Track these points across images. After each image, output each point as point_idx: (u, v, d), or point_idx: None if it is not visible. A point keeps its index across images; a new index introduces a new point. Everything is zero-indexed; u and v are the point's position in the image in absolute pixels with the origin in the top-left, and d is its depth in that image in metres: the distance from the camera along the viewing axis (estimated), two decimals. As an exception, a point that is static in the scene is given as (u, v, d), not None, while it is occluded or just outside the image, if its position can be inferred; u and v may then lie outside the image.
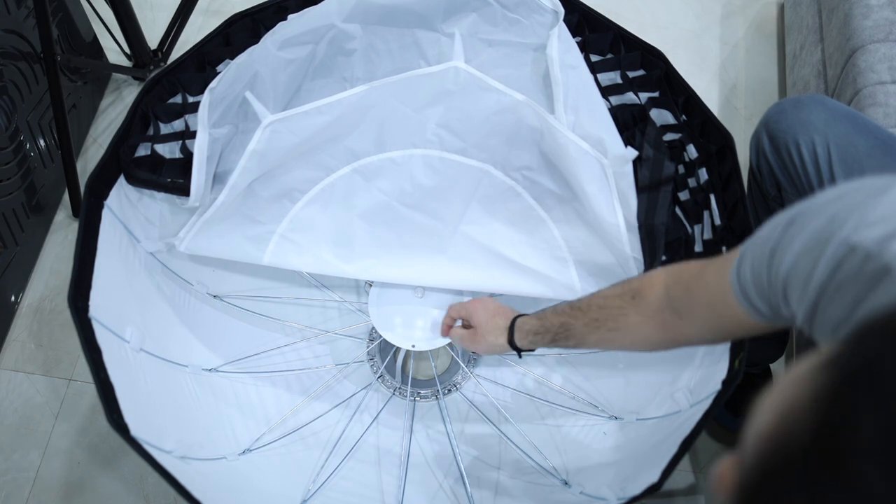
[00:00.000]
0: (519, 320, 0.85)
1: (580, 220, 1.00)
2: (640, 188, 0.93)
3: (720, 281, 0.58)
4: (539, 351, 1.13)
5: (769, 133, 0.89)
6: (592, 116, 0.92)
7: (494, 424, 1.08)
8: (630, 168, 0.91)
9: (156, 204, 0.99)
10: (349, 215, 1.04)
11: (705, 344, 0.68)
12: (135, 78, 1.55)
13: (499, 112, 0.97)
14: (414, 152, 1.02)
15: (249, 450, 0.99)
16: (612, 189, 0.92)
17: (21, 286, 1.32)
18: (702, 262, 0.64)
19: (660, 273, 0.69)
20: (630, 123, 0.97)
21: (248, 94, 0.93)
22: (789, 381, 0.30)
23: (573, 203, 1.00)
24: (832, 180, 0.83)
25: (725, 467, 0.32)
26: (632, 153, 0.90)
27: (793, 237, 0.47)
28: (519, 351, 0.87)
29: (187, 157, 0.95)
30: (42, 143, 1.33)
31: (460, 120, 0.99)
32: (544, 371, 1.12)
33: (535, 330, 0.82)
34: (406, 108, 0.99)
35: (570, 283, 1.01)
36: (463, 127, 1.00)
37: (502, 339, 0.87)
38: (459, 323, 0.98)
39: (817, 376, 0.28)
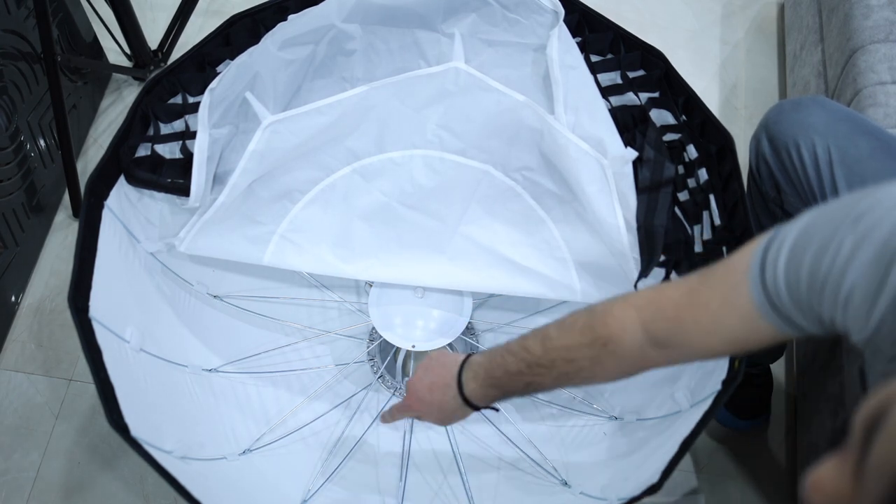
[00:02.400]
0: (469, 392, 0.75)
1: (580, 220, 1.00)
2: (641, 189, 0.92)
3: (726, 300, 0.54)
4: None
5: (769, 135, 0.89)
6: (592, 117, 0.92)
7: (494, 424, 1.08)
8: (630, 169, 0.91)
9: (156, 204, 0.99)
10: (349, 216, 1.04)
11: (700, 361, 0.64)
12: (135, 78, 1.55)
13: (499, 113, 0.97)
14: (414, 153, 1.02)
15: (250, 450, 0.99)
16: (612, 190, 0.92)
17: (21, 286, 1.32)
18: (683, 286, 0.59)
19: (628, 311, 0.63)
20: (630, 124, 0.97)
21: (248, 95, 0.93)
22: None
23: (573, 203, 1.00)
24: (833, 182, 0.82)
25: (827, 474, 0.30)
26: (631, 154, 0.90)
27: (858, 244, 0.43)
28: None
29: (187, 157, 0.95)
30: (42, 143, 1.33)
31: (460, 120, 0.99)
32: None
33: (493, 396, 0.74)
34: (406, 108, 0.99)
35: (570, 284, 1.01)
36: (463, 127, 1.00)
37: (463, 413, 0.77)
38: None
39: None
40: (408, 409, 0.81)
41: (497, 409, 0.78)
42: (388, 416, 0.86)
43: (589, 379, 0.67)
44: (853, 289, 0.44)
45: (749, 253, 0.53)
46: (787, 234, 0.49)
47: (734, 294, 0.53)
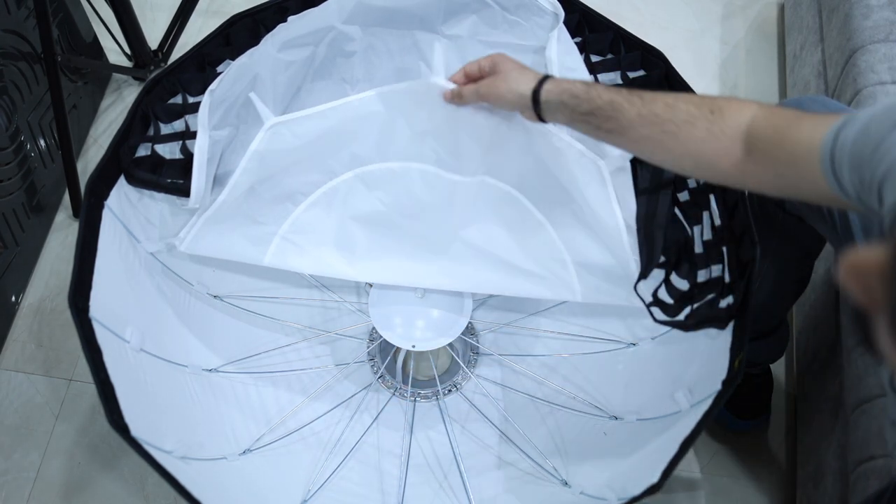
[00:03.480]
0: (556, 77, 0.76)
1: (579, 222, 1.00)
2: (640, 190, 0.92)
3: (812, 136, 0.57)
4: (539, 349, 1.13)
5: None
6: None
7: (494, 424, 1.08)
8: (628, 168, 0.91)
9: (156, 204, 0.99)
10: (351, 219, 1.04)
11: (762, 192, 0.65)
12: (135, 78, 1.55)
13: (497, 114, 0.97)
14: (412, 165, 1.01)
15: (250, 450, 0.99)
16: (610, 191, 0.91)
17: (21, 286, 1.32)
18: (800, 112, 0.62)
19: (751, 103, 0.65)
20: (630, 124, 0.96)
21: (253, 96, 0.93)
22: None
23: (571, 206, 0.99)
24: None
25: (864, 254, 0.32)
26: (629, 154, 0.90)
27: None
28: (538, 107, 0.77)
29: (187, 157, 0.95)
30: (42, 143, 1.33)
31: (456, 128, 0.98)
32: (545, 371, 1.12)
33: (574, 92, 0.73)
34: (401, 118, 0.97)
35: (570, 285, 1.01)
36: (459, 136, 0.98)
37: (526, 88, 0.76)
38: None
39: None
40: (493, 58, 0.81)
41: (545, 122, 0.79)
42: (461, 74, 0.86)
43: (669, 135, 0.67)
44: (887, 174, 0.49)
45: (835, 118, 0.57)
46: (863, 116, 0.54)
47: (816, 133, 0.57)
